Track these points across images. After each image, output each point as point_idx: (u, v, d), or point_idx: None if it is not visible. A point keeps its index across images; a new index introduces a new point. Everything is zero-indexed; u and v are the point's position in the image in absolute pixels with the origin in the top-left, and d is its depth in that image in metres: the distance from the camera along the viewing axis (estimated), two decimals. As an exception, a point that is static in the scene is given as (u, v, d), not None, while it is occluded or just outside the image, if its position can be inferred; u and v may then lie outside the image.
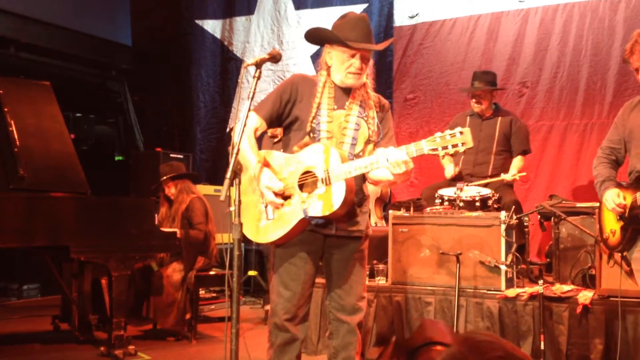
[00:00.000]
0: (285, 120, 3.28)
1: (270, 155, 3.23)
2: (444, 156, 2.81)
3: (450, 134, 2.83)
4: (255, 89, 2.91)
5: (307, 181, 3.10)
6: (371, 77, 3.32)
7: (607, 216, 3.53)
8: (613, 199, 3.39)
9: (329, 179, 3.02)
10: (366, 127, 3.23)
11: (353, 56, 3.17)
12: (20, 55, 7.89)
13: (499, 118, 5.75)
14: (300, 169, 3.12)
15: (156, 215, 5.71)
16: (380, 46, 3.35)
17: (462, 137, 2.82)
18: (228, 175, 2.75)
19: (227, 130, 8.46)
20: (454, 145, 2.82)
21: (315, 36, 3.36)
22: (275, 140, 3.40)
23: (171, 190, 5.84)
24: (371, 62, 3.28)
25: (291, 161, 3.17)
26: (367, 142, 3.23)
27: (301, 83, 3.28)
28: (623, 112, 3.58)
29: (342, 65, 3.20)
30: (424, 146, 2.85)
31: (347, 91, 3.25)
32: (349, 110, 3.23)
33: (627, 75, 6.11)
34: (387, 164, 2.89)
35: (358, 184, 3.20)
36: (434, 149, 2.84)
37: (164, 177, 5.83)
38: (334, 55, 3.22)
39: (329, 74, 3.26)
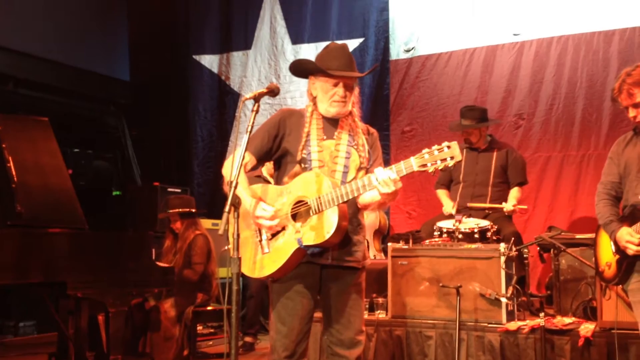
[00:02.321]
0: (275, 154, 3.30)
1: (261, 189, 3.23)
2: (434, 172, 2.81)
3: (437, 149, 2.85)
4: (253, 122, 2.92)
5: (300, 210, 3.08)
6: (357, 106, 3.34)
7: (603, 249, 3.51)
8: (629, 239, 3.27)
9: (321, 206, 3.01)
10: (357, 155, 3.24)
11: (336, 85, 3.21)
12: (18, 92, 7.89)
13: (495, 150, 5.76)
14: (292, 199, 3.11)
15: (155, 249, 5.67)
16: (361, 74, 3.37)
17: (450, 152, 2.84)
18: (227, 209, 2.74)
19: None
20: (443, 160, 2.83)
21: (298, 68, 3.42)
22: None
23: (177, 225, 5.82)
24: (356, 91, 3.31)
25: (282, 192, 3.16)
26: (359, 169, 3.23)
27: (288, 117, 3.29)
28: (617, 147, 3.56)
29: (326, 95, 3.23)
30: (413, 163, 2.86)
31: (335, 121, 3.27)
32: (338, 139, 3.24)
33: (622, 107, 6.14)
34: (376, 182, 2.89)
35: (352, 211, 3.18)
36: (423, 165, 2.85)
37: (172, 211, 5.81)
38: (318, 86, 3.25)
39: (315, 105, 3.28)
